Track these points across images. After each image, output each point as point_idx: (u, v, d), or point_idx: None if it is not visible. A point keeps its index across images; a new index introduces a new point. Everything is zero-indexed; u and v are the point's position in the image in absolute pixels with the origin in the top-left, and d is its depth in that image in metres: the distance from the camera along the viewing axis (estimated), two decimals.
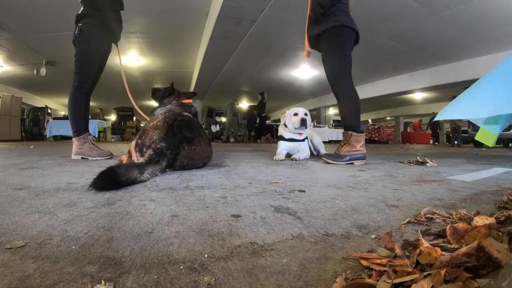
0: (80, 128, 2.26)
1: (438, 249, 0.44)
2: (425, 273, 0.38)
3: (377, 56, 7.67)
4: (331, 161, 2.01)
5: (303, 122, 2.30)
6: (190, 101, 1.98)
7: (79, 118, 2.27)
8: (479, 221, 0.56)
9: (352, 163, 1.97)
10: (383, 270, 0.41)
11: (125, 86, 2.47)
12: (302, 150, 2.37)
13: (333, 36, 2.06)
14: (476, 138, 1.49)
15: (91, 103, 2.49)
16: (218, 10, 5.21)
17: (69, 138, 10.45)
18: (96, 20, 2.18)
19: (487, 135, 1.48)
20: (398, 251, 0.49)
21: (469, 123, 7.73)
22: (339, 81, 2.09)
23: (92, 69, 2.25)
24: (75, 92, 2.22)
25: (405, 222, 0.68)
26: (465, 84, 7.82)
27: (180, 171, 1.51)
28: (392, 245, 0.51)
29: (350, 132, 2.03)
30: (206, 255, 0.49)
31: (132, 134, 11.18)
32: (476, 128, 7.65)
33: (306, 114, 2.36)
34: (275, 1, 4.97)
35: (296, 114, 2.36)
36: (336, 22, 2.03)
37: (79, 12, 2.20)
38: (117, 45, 2.49)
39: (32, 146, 4.40)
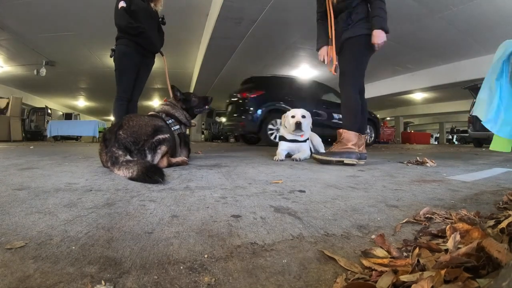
0: None
1: (439, 248, 0.44)
2: (425, 273, 0.38)
3: (377, 56, 7.67)
4: (320, 157, 1.98)
5: (297, 126, 2.29)
6: (174, 98, 2.14)
7: None
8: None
9: (342, 161, 1.91)
10: (384, 270, 0.41)
11: (168, 86, 2.83)
12: (303, 151, 2.37)
13: (360, 43, 2.02)
14: (491, 148, 1.48)
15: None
16: (218, 10, 5.21)
17: (70, 138, 10.43)
18: (125, 40, 2.59)
19: (502, 142, 1.45)
20: (393, 252, 0.49)
21: (469, 122, 7.72)
22: (344, 83, 2.09)
23: (127, 81, 2.64)
24: (116, 101, 2.65)
25: (403, 222, 0.68)
26: (465, 84, 7.82)
27: (176, 170, 1.51)
28: (386, 246, 0.51)
29: (341, 130, 2.02)
30: (206, 256, 0.49)
31: None
32: (476, 128, 7.65)
33: (304, 116, 2.34)
34: (275, 1, 4.97)
35: (293, 117, 2.34)
36: (368, 30, 1.98)
37: (116, 36, 2.65)
38: (161, 54, 2.95)
39: (32, 147, 4.40)
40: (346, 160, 1.92)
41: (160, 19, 2.88)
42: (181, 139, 1.96)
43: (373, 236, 0.59)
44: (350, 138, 1.97)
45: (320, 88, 6.36)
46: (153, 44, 2.78)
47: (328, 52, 2.22)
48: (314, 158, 2.03)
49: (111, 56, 2.67)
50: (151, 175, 1.16)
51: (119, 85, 2.64)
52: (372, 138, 6.74)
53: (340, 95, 2.12)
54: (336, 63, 2.22)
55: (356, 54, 2.08)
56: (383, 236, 0.55)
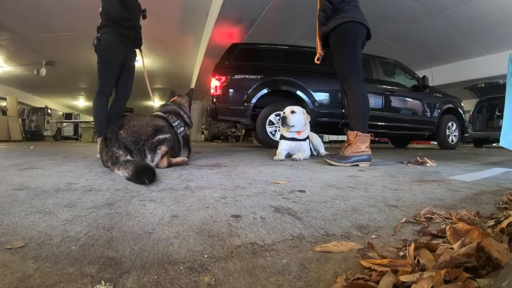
0: (102, 129, 2.32)
1: (441, 248, 0.44)
2: (425, 273, 0.38)
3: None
4: (335, 163, 1.88)
5: (283, 120, 2.32)
6: (175, 98, 2.16)
7: (102, 119, 2.40)
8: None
9: (357, 165, 1.88)
10: (384, 270, 0.41)
11: (148, 86, 2.81)
12: (303, 151, 2.36)
13: (343, 32, 2.00)
14: None
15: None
16: (218, 10, 5.22)
17: (70, 138, 10.41)
18: (112, 30, 2.39)
19: None
20: (388, 255, 0.49)
21: (469, 122, 7.73)
22: (347, 79, 2.02)
23: (111, 74, 2.43)
24: (97, 96, 2.40)
25: (402, 222, 0.68)
26: (465, 84, 7.83)
27: (174, 169, 1.51)
28: (379, 251, 0.51)
29: (356, 132, 1.94)
30: (206, 256, 0.49)
31: None
32: (476, 128, 7.66)
33: (293, 112, 2.32)
34: (275, 1, 4.97)
35: (284, 113, 2.36)
36: (346, 18, 1.97)
37: (99, 24, 2.42)
38: (140, 50, 2.74)
39: (32, 147, 4.40)
40: (361, 164, 1.89)
41: (142, 12, 2.64)
42: (183, 139, 1.96)
43: (373, 236, 0.59)
44: (364, 140, 1.93)
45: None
46: (138, 39, 2.63)
47: (316, 40, 2.20)
48: (328, 163, 1.92)
49: (94, 46, 2.40)
50: (140, 175, 1.14)
51: (102, 78, 2.40)
52: None
53: (348, 95, 2.04)
54: (320, 51, 2.20)
55: (346, 44, 2.02)
56: (373, 245, 0.53)
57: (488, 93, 7.39)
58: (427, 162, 2.01)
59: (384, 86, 4.46)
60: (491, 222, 0.62)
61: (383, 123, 4.43)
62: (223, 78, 3.91)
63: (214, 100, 3.94)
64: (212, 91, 3.99)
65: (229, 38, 6.34)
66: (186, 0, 5.63)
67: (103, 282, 0.40)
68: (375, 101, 4.30)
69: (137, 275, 0.42)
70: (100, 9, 2.42)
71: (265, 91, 3.90)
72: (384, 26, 6.05)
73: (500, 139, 1.35)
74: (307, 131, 2.46)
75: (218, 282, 0.41)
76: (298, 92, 3.96)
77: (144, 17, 2.67)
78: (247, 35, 6.40)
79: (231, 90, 3.94)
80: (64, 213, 0.73)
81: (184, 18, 6.27)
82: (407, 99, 4.70)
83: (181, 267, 0.45)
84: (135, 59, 2.70)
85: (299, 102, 3.93)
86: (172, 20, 6.32)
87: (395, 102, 4.58)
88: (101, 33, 2.38)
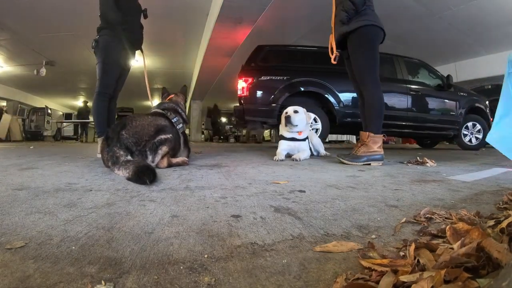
0: (102, 129, 2.34)
1: (441, 248, 0.44)
2: (425, 273, 0.38)
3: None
4: (348, 162, 1.96)
5: (287, 119, 2.32)
6: (171, 96, 2.16)
7: (102, 120, 2.41)
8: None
9: (369, 164, 1.95)
10: (384, 270, 0.41)
11: (147, 87, 2.79)
12: (303, 151, 2.37)
13: (365, 35, 2.05)
14: None
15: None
16: (218, 10, 5.21)
17: (70, 138, 10.40)
18: (111, 31, 2.39)
19: None
20: (388, 255, 0.49)
21: None
22: (365, 81, 2.08)
23: (111, 75, 2.43)
24: (97, 97, 2.40)
25: (402, 222, 0.68)
26: (465, 84, 7.82)
27: (175, 169, 1.51)
28: (379, 250, 0.51)
29: (367, 132, 2.01)
30: (206, 256, 0.49)
31: None
32: None
33: (296, 111, 2.34)
34: (275, 1, 4.97)
35: (286, 113, 2.36)
36: (368, 21, 2.03)
37: (98, 26, 2.43)
38: (141, 51, 2.72)
39: (32, 147, 4.40)
40: (373, 163, 1.95)
41: (143, 12, 2.63)
42: (183, 136, 1.97)
43: (373, 236, 0.59)
44: (376, 141, 1.99)
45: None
46: (138, 40, 2.63)
47: (330, 40, 2.22)
48: (342, 163, 2.01)
49: (93, 47, 2.42)
50: (141, 175, 1.15)
51: (103, 79, 2.39)
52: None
53: (365, 96, 2.09)
54: (336, 52, 2.21)
55: (367, 47, 2.07)
56: (373, 245, 0.54)
57: (494, 95, 7.40)
58: (427, 162, 2.01)
59: (409, 86, 4.44)
60: (491, 222, 0.62)
61: (408, 123, 4.39)
62: (250, 80, 3.96)
63: (242, 101, 3.99)
64: (239, 92, 4.04)
65: (229, 38, 6.34)
66: (186, 0, 5.62)
67: (103, 282, 0.40)
68: (399, 101, 4.27)
69: (137, 275, 0.42)
70: (99, 11, 2.43)
71: (291, 91, 3.93)
72: (384, 26, 6.05)
73: (488, 134, 1.33)
74: (307, 131, 2.46)
75: (218, 282, 0.41)
76: (326, 94, 3.99)
77: (145, 16, 2.66)
78: (247, 35, 6.40)
79: (258, 91, 3.98)
80: (64, 213, 0.73)
81: (184, 18, 6.26)
82: (432, 98, 4.66)
83: (181, 267, 0.45)
84: (131, 60, 2.69)
85: (325, 102, 3.97)
86: (172, 20, 6.31)
87: (420, 101, 4.54)
88: (100, 35, 2.40)
